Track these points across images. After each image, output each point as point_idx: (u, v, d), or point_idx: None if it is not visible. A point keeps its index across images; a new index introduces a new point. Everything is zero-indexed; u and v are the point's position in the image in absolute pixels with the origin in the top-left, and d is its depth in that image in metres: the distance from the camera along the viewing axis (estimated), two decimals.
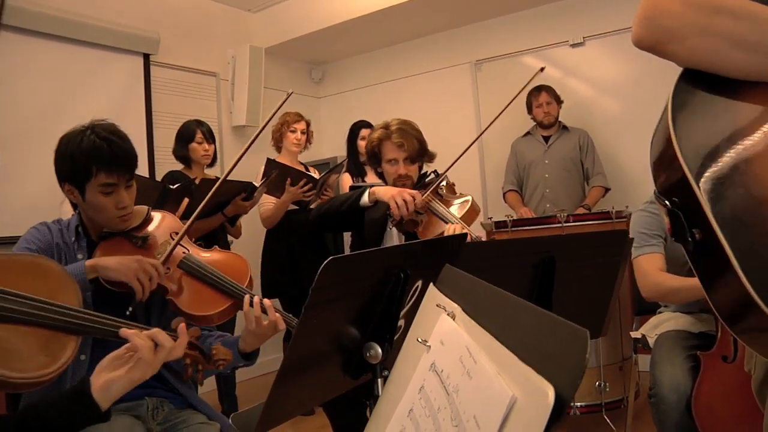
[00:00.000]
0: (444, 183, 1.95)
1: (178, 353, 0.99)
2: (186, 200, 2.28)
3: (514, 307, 0.37)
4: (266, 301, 1.24)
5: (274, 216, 2.84)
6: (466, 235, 1.07)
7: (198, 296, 1.22)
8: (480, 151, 3.74)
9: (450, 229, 1.70)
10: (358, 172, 3.20)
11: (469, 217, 1.81)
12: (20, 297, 0.86)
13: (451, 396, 0.36)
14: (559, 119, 3.16)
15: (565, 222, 2.35)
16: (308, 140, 3.08)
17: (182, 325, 1.03)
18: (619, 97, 3.28)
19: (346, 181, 3.20)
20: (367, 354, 0.90)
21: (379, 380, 0.91)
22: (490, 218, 2.65)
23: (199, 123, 2.67)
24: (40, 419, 0.85)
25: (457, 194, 1.94)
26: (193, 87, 3.51)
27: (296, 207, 2.83)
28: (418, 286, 0.98)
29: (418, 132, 1.93)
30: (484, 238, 1.86)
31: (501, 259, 1.19)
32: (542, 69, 1.82)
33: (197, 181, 2.36)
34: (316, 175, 2.95)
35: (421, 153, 1.92)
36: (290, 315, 1.27)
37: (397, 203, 1.75)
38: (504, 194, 3.29)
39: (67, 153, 1.19)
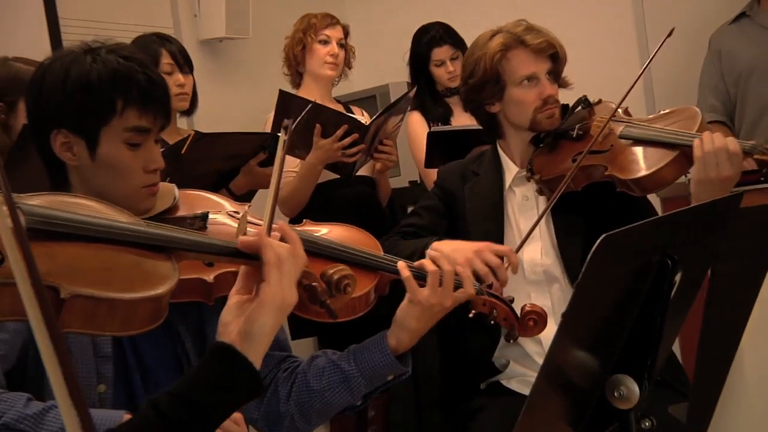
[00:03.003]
0: (613, 106, 2.10)
1: (303, 255, 1.20)
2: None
3: None
4: (432, 253, 1.48)
5: (298, 192, 2.95)
6: (740, 196, 1.17)
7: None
8: (642, 60, 3.78)
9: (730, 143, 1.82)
10: (435, 110, 3.33)
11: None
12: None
13: None
14: None
15: None
16: (347, 62, 3.22)
17: (281, 223, 1.24)
18: None
19: (418, 126, 3.32)
20: (615, 393, 1.03)
21: None
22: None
23: (164, 39, 2.81)
24: (180, 404, 1.03)
25: (658, 112, 2.13)
26: None
27: (335, 175, 2.95)
28: (676, 281, 1.11)
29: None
30: None
31: None
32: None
33: (187, 143, 2.50)
34: (364, 119, 3.06)
35: (563, 64, 2.09)
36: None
37: (478, 272, 1.77)
38: None
39: (70, 80, 1.32)
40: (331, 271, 1.31)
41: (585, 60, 3.40)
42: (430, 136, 2.98)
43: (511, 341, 1.66)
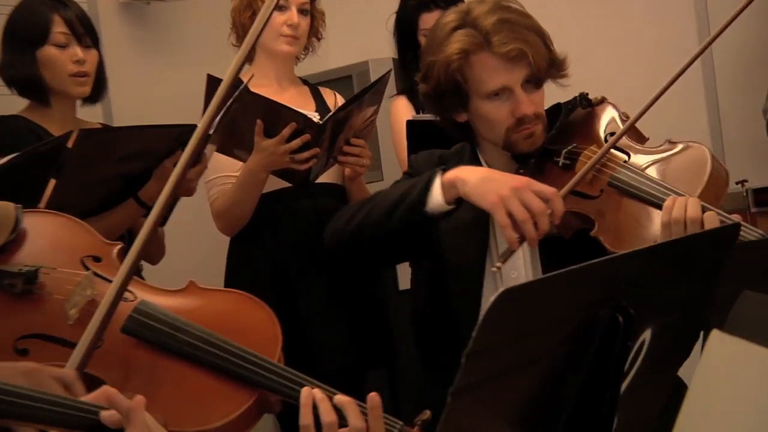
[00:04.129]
0: (617, 119, 2.11)
1: None
2: (52, 182, 2.43)
3: None
4: (340, 397, 1.36)
5: (236, 205, 2.96)
6: (738, 226, 1.18)
7: (181, 392, 1.37)
8: (708, 58, 3.80)
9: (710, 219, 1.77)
10: None
11: (713, 191, 1.92)
12: None
13: None
14: None
15: None
16: (314, 32, 3.17)
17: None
18: None
19: (403, 115, 3.33)
20: None
21: None
22: (743, 182, 2.79)
23: (57, 0, 2.77)
24: None
25: (664, 144, 2.07)
26: None
27: (287, 184, 2.96)
28: (644, 341, 1.11)
29: (530, 18, 2.06)
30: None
31: None
32: None
33: (72, 139, 2.50)
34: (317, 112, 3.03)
35: (551, 62, 2.06)
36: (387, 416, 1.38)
37: (514, 215, 1.83)
38: None
39: None
40: None
41: (624, 36, 3.42)
42: (410, 126, 2.99)
43: None
